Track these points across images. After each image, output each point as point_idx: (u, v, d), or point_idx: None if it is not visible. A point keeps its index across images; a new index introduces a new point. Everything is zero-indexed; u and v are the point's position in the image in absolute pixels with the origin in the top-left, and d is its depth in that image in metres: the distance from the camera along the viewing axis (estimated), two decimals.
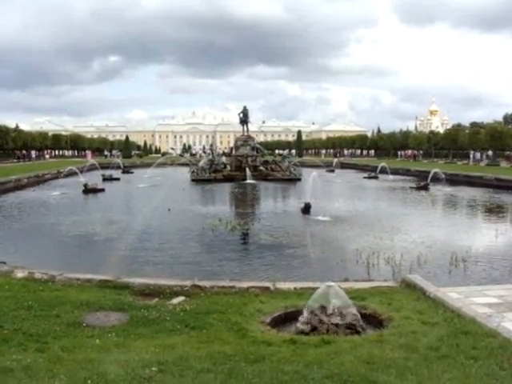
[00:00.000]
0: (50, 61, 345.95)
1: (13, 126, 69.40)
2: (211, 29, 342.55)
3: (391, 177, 40.23)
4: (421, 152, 72.97)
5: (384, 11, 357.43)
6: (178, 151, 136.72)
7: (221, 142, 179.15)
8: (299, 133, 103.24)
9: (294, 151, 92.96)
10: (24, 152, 70.24)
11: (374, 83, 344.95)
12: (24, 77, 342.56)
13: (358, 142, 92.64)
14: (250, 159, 38.18)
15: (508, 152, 55.97)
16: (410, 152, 75.12)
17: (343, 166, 58.68)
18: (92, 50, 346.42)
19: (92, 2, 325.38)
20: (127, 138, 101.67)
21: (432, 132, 78.28)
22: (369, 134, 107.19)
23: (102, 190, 28.03)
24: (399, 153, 79.42)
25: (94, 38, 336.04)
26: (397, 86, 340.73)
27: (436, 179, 31.24)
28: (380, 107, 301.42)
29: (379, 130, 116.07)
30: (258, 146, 43.84)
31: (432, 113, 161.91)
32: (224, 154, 58.14)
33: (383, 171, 42.15)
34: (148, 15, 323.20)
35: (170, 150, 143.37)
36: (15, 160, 63.45)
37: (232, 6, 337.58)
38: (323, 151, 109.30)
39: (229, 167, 39.31)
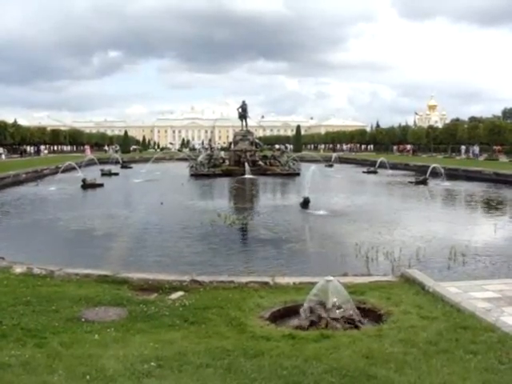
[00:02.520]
0: (50, 56, 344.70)
1: (11, 121, 69.20)
2: (211, 23, 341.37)
3: (390, 171, 40.23)
4: (412, 146, 72.71)
5: (384, 6, 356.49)
6: (177, 146, 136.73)
7: (220, 137, 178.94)
8: (298, 128, 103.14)
9: (291, 146, 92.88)
10: (24, 147, 70.21)
11: (373, 78, 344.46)
12: (24, 72, 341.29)
13: (357, 137, 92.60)
14: (248, 154, 38.12)
15: (495, 147, 55.69)
16: (408, 147, 75.02)
17: (342, 160, 58.68)
18: (92, 44, 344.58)
19: None
20: (126, 133, 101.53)
21: (431, 127, 78.17)
22: (368, 129, 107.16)
23: (101, 185, 27.98)
24: (394, 147, 79.14)
25: (94, 33, 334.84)
26: (396, 81, 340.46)
27: (435, 174, 31.26)
28: (379, 102, 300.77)
29: (378, 125, 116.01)
30: (257, 140, 43.81)
31: (431, 108, 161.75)
32: (223, 148, 58.04)
33: (382, 166, 42.16)
34: (148, 10, 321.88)
35: (169, 145, 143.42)
36: (14, 155, 63.35)
37: (231, 1, 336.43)
38: (322, 146, 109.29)
39: (227, 162, 39.27)
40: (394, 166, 43.72)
